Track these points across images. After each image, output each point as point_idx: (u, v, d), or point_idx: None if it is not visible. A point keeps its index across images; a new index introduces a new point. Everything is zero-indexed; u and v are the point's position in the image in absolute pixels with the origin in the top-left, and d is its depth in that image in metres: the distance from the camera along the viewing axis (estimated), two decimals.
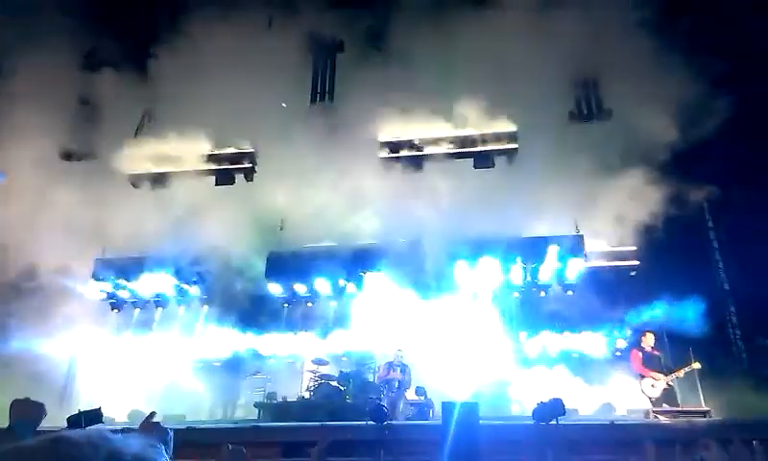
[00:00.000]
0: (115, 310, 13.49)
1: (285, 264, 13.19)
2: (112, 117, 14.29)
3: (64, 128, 14.19)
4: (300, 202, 13.63)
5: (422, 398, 11.27)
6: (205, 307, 13.65)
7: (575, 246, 12.29)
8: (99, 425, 8.61)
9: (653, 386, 10.31)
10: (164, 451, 1.03)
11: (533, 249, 12.50)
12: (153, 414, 2.55)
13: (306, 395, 11.47)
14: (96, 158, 14.01)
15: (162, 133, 13.92)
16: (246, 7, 13.87)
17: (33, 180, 13.68)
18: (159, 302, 13.50)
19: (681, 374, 10.22)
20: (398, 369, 11.31)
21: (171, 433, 2.41)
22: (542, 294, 12.89)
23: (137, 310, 13.69)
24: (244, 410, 12.74)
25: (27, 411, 3.10)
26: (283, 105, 14.19)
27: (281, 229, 13.46)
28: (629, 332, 12.06)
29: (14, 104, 13.44)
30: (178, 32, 13.95)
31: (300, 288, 13.27)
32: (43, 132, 13.96)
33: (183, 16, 13.96)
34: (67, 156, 14.07)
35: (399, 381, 11.19)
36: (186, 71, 13.50)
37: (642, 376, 10.44)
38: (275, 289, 13.31)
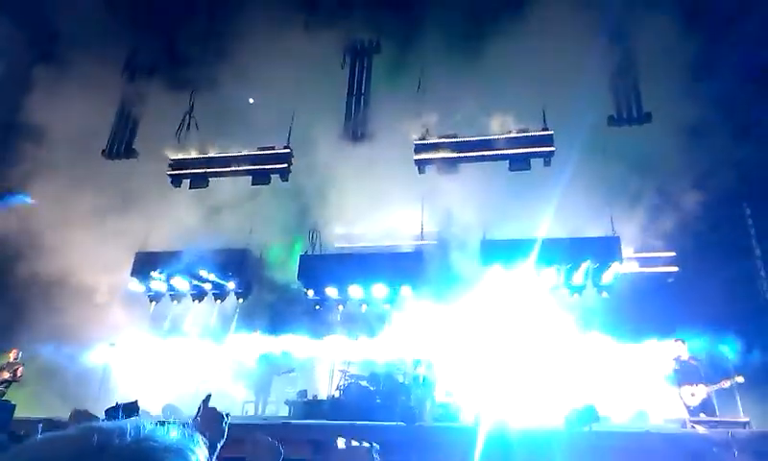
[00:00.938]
0: (153, 302, 13.78)
1: (316, 267, 13.24)
2: (154, 118, 14.68)
3: (107, 128, 14.61)
4: (333, 203, 13.77)
5: (451, 400, 11.21)
6: (240, 300, 13.81)
7: (612, 248, 12.02)
8: (135, 417, 8.87)
9: (693, 395, 10.04)
10: (201, 442, 1.04)
11: (569, 251, 12.25)
12: (209, 397, 2.59)
13: (336, 394, 11.54)
14: (137, 158, 14.40)
15: (202, 135, 14.29)
16: (283, 9, 14.06)
17: (76, 178, 14.18)
18: (196, 294, 13.73)
19: (725, 385, 9.92)
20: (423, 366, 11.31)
21: (227, 418, 2.46)
22: (576, 296, 12.60)
23: (175, 302, 13.97)
24: (275, 407, 12.89)
25: (85, 422, 3.22)
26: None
27: (314, 232, 13.55)
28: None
29: (62, 103, 13.91)
30: (217, 33, 14.29)
31: (332, 291, 13.24)
32: (88, 131, 14.48)
33: (222, 18, 14.26)
34: (110, 155, 14.45)
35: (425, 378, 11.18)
36: (224, 73, 13.80)
37: (680, 385, 10.19)
38: (307, 291, 13.35)
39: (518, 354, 11.90)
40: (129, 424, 0.97)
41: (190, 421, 2.47)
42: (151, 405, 10.87)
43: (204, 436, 1.13)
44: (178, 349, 13.64)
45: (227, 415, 2.54)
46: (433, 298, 12.69)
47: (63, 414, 4.61)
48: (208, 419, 2.49)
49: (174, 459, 0.96)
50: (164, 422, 1.03)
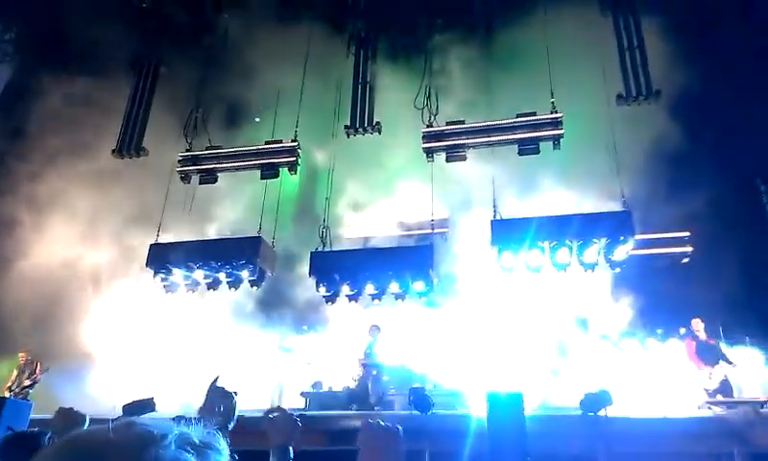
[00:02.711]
0: (169, 293, 13.88)
1: (328, 263, 13.19)
2: (162, 114, 14.78)
3: (116, 126, 14.73)
4: (343, 197, 13.83)
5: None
6: (254, 289, 13.84)
7: (623, 222, 11.75)
8: (153, 414, 8.99)
9: (711, 377, 9.95)
10: (222, 439, 1.07)
11: (580, 227, 11.96)
12: (217, 378, 2.58)
13: (352, 385, 11.59)
14: (146, 155, 14.52)
15: (209, 130, 14.39)
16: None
17: (88, 176, 14.34)
18: (211, 284, 13.80)
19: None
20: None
21: (235, 396, 2.46)
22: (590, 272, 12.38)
23: (190, 292, 14.08)
24: (291, 399, 12.98)
25: (70, 420, 3.23)
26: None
27: (324, 225, 13.53)
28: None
29: (69, 104, 14.04)
30: (222, 28, 14.36)
31: (345, 288, 13.15)
32: (96, 130, 14.62)
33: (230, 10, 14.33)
34: (120, 153, 14.54)
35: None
36: (231, 69, 13.85)
37: (699, 366, 10.09)
38: (319, 288, 13.30)
39: (528, 340, 11.84)
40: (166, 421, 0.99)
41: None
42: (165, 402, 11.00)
43: (213, 421, 1.15)
44: (193, 336, 13.76)
45: (235, 393, 2.54)
46: (443, 292, 12.66)
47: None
48: (217, 398, 2.49)
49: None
50: (181, 418, 1.04)
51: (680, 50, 11.75)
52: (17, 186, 14.85)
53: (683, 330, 10.52)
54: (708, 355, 10.09)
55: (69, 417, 3.22)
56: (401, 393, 10.69)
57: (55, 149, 14.74)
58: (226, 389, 2.48)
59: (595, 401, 7.98)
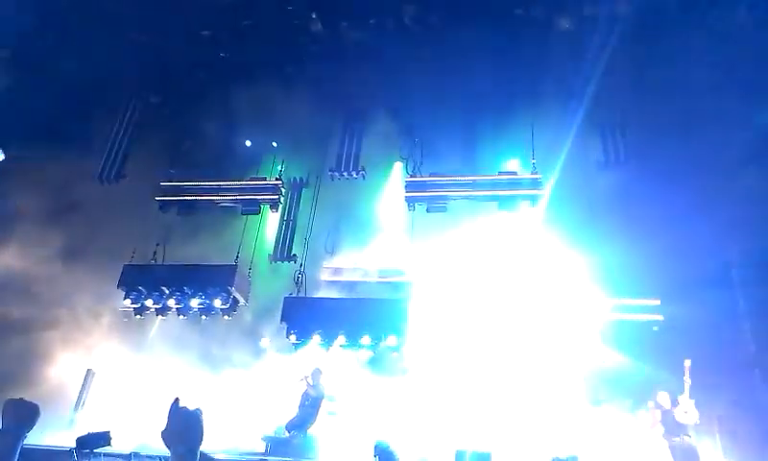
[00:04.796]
0: (138, 316, 13.60)
1: (301, 311, 13.06)
2: (145, 144, 14.82)
3: (100, 153, 14.70)
4: (321, 237, 13.93)
5: None
6: (226, 317, 13.61)
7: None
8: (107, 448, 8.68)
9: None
10: None
11: None
12: (177, 400, 2.48)
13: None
14: (127, 182, 14.46)
15: (192, 163, 14.48)
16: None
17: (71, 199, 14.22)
18: (182, 310, 13.57)
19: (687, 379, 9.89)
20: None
21: (201, 416, 2.37)
22: None
23: (159, 318, 13.81)
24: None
25: (21, 412, 3.04)
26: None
27: (299, 274, 13.54)
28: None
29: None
30: (206, 66, 14.58)
31: (316, 338, 12.81)
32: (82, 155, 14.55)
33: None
34: (101, 179, 14.46)
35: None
36: (212, 107, 14.08)
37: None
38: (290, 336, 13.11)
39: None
40: None
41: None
42: (125, 434, 10.62)
43: (180, 446, 1.08)
44: (162, 363, 13.43)
45: (200, 412, 2.44)
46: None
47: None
48: (181, 417, 2.39)
49: None
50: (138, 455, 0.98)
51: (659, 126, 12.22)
52: None
53: (659, 398, 10.47)
54: (678, 425, 10.04)
55: (22, 409, 3.04)
56: None
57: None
58: (188, 408, 2.39)
59: None
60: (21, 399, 3.14)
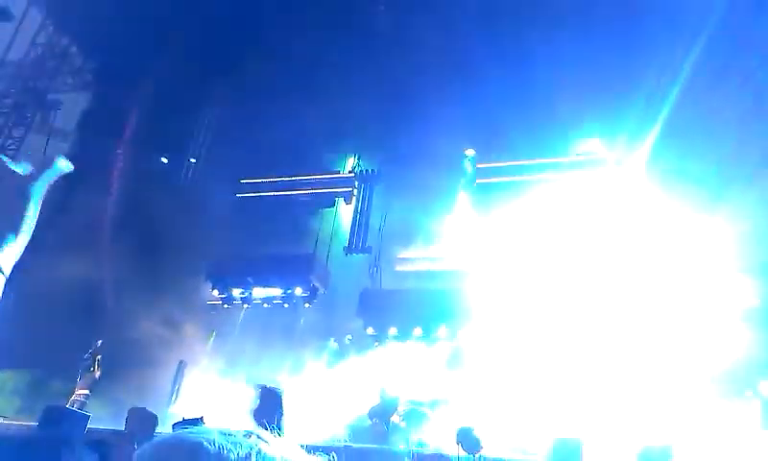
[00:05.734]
0: (225, 306, 14.21)
1: (377, 303, 13.25)
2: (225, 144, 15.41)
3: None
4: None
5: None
6: (307, 305, 13.96)
7: None
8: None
9: None
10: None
11: None
12: (263, 384, 2.63)
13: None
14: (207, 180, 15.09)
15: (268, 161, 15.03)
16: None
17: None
18: (265, 299, 14.06)
19: None
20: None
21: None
22: None
23: (246, 306, 14.34)
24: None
25: (143, 419, 3.32)
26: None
27: (374, 267, 13.71)
28: None
29: None
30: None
31: (392, 331, 13.09)
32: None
33: None
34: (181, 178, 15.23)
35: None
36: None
37: None
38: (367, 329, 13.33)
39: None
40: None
41: None
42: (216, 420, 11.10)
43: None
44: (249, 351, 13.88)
45: (282, 391, 2.57)
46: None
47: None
48: (268, 401, 2.52)
49: None
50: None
51: None
52: None
53: None
54: None
55: (144, 417, 3.32)
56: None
57: None
58: (273, 388, 2.52)
59: (654, 458, 7.44)
60: (144, 408, 3.45)
